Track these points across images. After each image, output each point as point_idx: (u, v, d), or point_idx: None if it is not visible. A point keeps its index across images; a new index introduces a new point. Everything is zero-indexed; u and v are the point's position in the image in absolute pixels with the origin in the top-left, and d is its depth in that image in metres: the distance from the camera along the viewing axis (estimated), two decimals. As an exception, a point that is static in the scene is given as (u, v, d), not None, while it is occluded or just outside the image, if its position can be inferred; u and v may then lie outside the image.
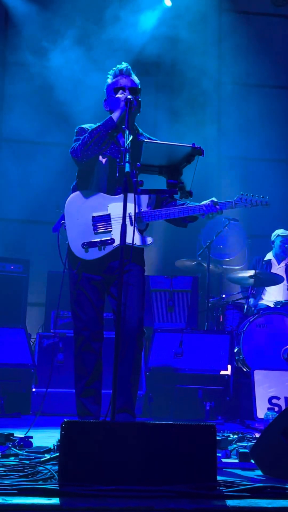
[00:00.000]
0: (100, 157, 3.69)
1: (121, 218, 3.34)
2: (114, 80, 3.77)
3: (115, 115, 3.63)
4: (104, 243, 3.61)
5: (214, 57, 8.81)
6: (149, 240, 3.67)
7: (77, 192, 3.72)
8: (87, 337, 3.69)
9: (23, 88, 8.20)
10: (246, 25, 8.83)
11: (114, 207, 3.64)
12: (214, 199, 3.71)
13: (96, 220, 3.64)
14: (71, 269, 3.72)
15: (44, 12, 8.08)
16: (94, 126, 3.72)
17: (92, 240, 3.62)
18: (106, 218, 3.64)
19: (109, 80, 3.80)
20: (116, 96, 3.69)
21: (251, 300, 6.46)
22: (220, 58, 8.86)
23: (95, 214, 3.65)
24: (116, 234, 3.60)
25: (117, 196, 3.66)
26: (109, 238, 3.62)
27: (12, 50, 8.43)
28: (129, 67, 3.79)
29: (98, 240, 3.62)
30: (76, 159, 3.68)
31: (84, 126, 3.80)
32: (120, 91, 3.71)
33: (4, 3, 8.24)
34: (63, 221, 3.69)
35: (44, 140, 8.24)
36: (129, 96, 3.57)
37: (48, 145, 8.24)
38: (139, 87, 3.79)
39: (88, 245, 3.61)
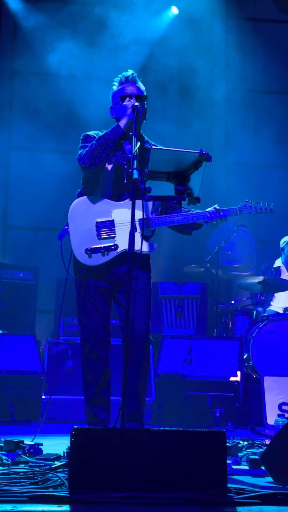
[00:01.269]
0: (106, 164, 3.70)
1: (125, 224, 3.35)
2: (120, 87, 3.79)
3: (122, 123, 3.65)
4: (107, 249, 3.61)
5: (221, 64, 8.83)
6: (154, 246, 3.68)
7: (81, 198, 3.73)
8: (94, 345, 3.69)
9: (32, 96, 8.24)
10: (253, 31, 8.84)
11: (118, 213, 3.65)
12: (217, 206, 3.73)
13: (99, 225, 3.65)
14: (75, 276, 3.72)
15: (51, 20, 8.13)
16: (100, 133, 3.73)
17: (95, 246, 3.63)
18: (110, 224, 3.65)
19: (115, 87, 3.82)
20: (123, 103, 3.71)
21: (260, 307, 6.44)
22: (227, 65, 8.87)
23: (99, 220, 3.66)
24: (119, 240, 3.61)
25: (122, 202, 3.67)
26: (112, 244, 3.62)
27: (20, 58, 8.48)
28: (135, 74, 3.80)
29: (102, 246, 3.62)
30: (83, 167, 3.69)
31: (90, 133, 3.82)
32: (127, 98, 3.72)
33: (12, 12, 8.29)
34: (66, 227, 3.70)
35: (53, 148, 8.27)
36: (136, 104, 3.58)
37: (56, 153, 8.26)
38: (145, 94, 3.80)
39: (91, 251, 3.62)
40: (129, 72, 3.81)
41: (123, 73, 3.81)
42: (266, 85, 8.81)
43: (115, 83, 3.82)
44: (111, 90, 3.83)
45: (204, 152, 3.20)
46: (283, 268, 7.07)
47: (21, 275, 6.94)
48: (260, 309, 6.44)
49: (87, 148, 3.67)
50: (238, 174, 8.68)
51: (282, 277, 6.95)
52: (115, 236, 3.63)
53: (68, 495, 2.29)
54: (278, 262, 7.14)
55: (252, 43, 8.78)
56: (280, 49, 8.91)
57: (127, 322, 3.04)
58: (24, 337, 5.80)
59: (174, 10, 8.35)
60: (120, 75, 3.81)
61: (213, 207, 3.71)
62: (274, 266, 7.13)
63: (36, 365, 5.61)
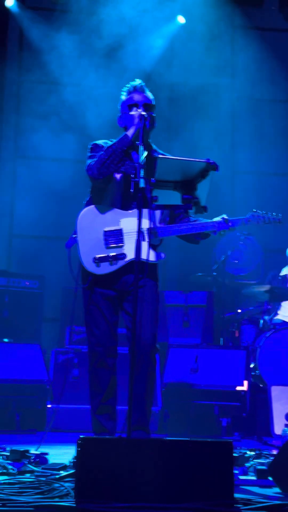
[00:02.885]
0: (115, 173, 3.70)
1: (133, 233, 3.34)
2: (128, 96, 3.80)
3: (130, 132, 3.65)
4: (115, 258, 3.61)
5: (228, 72, 8.85)
6: (162, 255, 3.67)
7: (90, 207, 3.73)
8: (101, 353, 3.68)
9: (38, 105, 8.27)
10: (259, 40, 8.86)
11: (127, 222, 3.65)
12: (225, 216, 3.72)
13: (107, 234, 3.65)
14: (83, 284, 3.72)
15: (57, 30, 8.17)
16: (108, 142, 3.74)
17: (103, 255, 3.62)
18: (118, 233, 3.65)
19: (123, 97, 3.83)
20: (130, 113, 3.71)
21: (267, 315, 6.42)
22: (233, 74, 8.90)
23: (107, 229, 3.65)
24: (127, 249, 3.61)
25: (130, 211, 3.67)
26: (120, 253, 3.62)
27: (26, 68, 8.52)
28: (143, 83, 3.81)
29: (110, 255, 3.62)
30: (92, 177, 3.68)
31: (98, 142, 3.82)
32: (134, 107, 3.73)
33: (18, 22, 8.34)
34: (74, 235, 3.70)
35: (59, 157, 8.30)
36: (143, 113, 3.58)
37: (63, 162, 8.29)
38: (153, 103, 3.81)
39: (99, 260, 3.61)
40: (137, 81, 3.82)
41: (131, 82, 3.82)
42: (272, 94, 8.82)
43: (123, 92, 3.83)
44: (119, 100, 3.84)
45: (211, 161, 3.20)
46: (290, 277, 7.05)
47: (27, 283, 6.95)
48: (267, 318, 6.41)
49: (96, 159, 3.67)
50: (245, 183, 8.68)
51: (288, 285, 6.93)
52: (123, 245, 3.63)
53: (74, 505, 2.28)
54: (285, 271, 7.12)
55: (259, 52, 8.80)
56: (287, 58, 8.93)
57: (133, 330, 3.03)
58: (30, 345, 5.79)
59: (181, 19, 8.38)
60: (128, 84, 3.82)
61: (221, 216, 3.71)
62: (281, 274, 7.11)
63: (42, 373, 5.60)
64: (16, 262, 8.19)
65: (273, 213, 3.83)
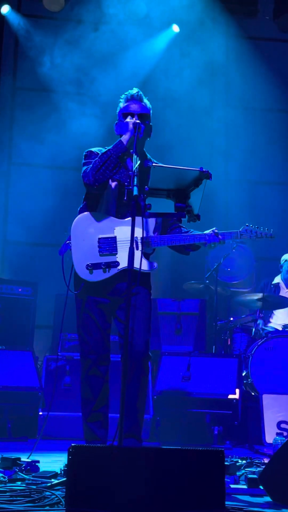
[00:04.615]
0: (110, 181, 3.71)
1: (127, 242, 3.34)
2: (125, 104, 3.82)
3: (125, 138, 3.67)
4: (108, 265, 3.62)
5: (222, 82, 8.89)
6: (155, 265, 3.68)
7: (84, 214, 3.74)
8: (94, 361, 3.68)
9: (32, 112, 8.29)
10: (254, 50, 8.91)
11: (121, 230, 3.66)
12: (215, 229, 3.74)
13: (101, 242, 3.65)
14: (76, 291, 3.72)
15: (52, 38, 8.19)
16: (103, 149, 3.75)
17: (97, 262, 3.63)
18: (112, 241, 3.66)
19: (121, 104, 3.85)
20: (125, 120, 3.73)
21: (259, 323, 6.43)
22: (227, 83, 8.94)
23: (101, 236, 3.66)
24: (121, 257, 3.62)
25: (125, 220, 3.68)
26: (113, 261, 3.63)
27: (21, 75, 8.54)
28: (140, 92, 3.83)
29: (103, 262, 3.62)
30: (88, 184, 3.69)
31: (93, 149, 3.83)
32: (129, 116, 3.75)
33: (13, 29, 8.36)
34: (68, 241, 3.70)
35: (53, 164, 8.31)
36: (137, 121, 3.61)
37: (56, 169, 8.30)
38: (150, 112, 3.83)
39: (92, 267, 3.62)
40: (135, 90, 3.84)
41: (129, 90, 3.84)
42: (266, 103, 8.87)
43: (121, 100, 3.86)
44: (117, 107, 3.86)
45: (204, 169, 3.21)
46: (282, 285, 7.07)
47: (19, 290, 6.94)
48: (259, 326, 6.42)
49: (91, 165, 3.68)
50: (238, 192, 8.71)
51: (281, 293, 6.94)
52: (116, 253, 3.64)
53: (65, 513, 2.27)
54: (278, 279, 7.14)
55: (253, 61, 8.86)
56: (281, 67, 8.98)
57: (126, 337, 3.04)
58: (22, 352, 5.78)
59: (175, 28, 8.43)
60: (126, 92, 3.84)
61: (211, 230, 3.73)
62: (273, 282, 7.13)
63: (34, 381, 5.59)
64: (9, 268, 8.18)
65: (265, 228, 3.86)
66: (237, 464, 3.76)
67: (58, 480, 2.97)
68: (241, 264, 8.02)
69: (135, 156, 3.37)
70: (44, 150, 8.22)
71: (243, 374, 5.80)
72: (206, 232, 3.72)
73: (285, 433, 4.99)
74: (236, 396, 5.36)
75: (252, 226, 3.83)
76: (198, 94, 8.32)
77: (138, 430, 3.57)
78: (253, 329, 6.42)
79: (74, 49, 8.17)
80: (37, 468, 3.36)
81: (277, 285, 7.09)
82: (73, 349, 5.94)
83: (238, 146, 8.77)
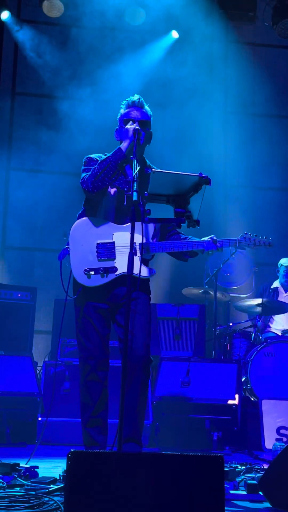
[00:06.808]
0: (109, 188, 3.72)
1: (125, 247, 3.34)
2: (126, 111, 3.82)
3: (124, 145, 3.67)
4: (106, 270, 3.62)
5: (221, 87, 8.92)
6: (153, 271, 3.69)
7: (83, 219, 3.74)
8: (93, 366, 3.68)
9: (32, 118, 8.31)
10: (252, 56, 8.94)
11: (119, 236, 3.66)
12: (213, 236, 3.74)
13: (100, 247, 3.66)
14: (74, 296, 3.72)
15: (52, 44, 8.22)
16: (102, 156, 3.76)
17: (95, 267, 3.63)
18: (110, 246, 3.66)
19: (122, 111, 3.85)
20: (126, 127, 3.74)
21: (258, 329, 6.43)
22: (226, 88, 8.97)
23: (100, 241, 3.66)
24: (119, 263, 3.62)
25: (124, 225, 3.68)
26: (112, 266, 3.63)
27: (20, 81, 8.57)
28: (141, 99, 3.83)
29: (101, 267, 3.62)
30: (87, 191, 3.69)
31: (92, 156, 3.83)
32: (130, 122, 3.76)
33: (13, 35, 8.39)
34: (66, 246, 3.71)
35: (51, 169, 8.33)
36: (137, 128, 3.61)
37: (55, 174, 8.32)
38: (151, 119, 3.83)
39: (90, 271, 3.62)
40: (136, 96, 3.84)
41: (130, 97, 3.84)
42: (265, 109, 8.90)
43: (122, 106, 3.86)
44: (118, 113, 3.87)
45: (203, 175, 3.21)
46: (281, 289, 7.08)
47: (19, 295, 6.93)
48: (258, 331, 6.42)
49: (90, 172, 3.68)
50: (237, 197, 8.73)
51: (279, 298, 6.95)
52: (114, 259, 3.64)
53: (64, 519, 2.27)
54: (276, 283, 7.15)
55: (252, 67, 8.89)
56: (279, 73, 9.02)
57: (125, 342, 3.03)
58: (21, 357, 5.77)
59: (174, 34, 8.46)
60: (127, 99, 3.85)
61: (209, 237, 3.73)
62: (272, 287, 7.15)
63: (33, 386, 5.58)
64: (8, 274, 8.18)
65: (264, 236, 3.86)
66: (237, 470, 3.75)
67: (57, 486, 2.97)
68: (240, 269, 8.03)
69: (135, 162, 3.37)
70: (44, 156, 8.24)
71: (243, 379, 5.79)
72: (205, 239, 3.72)
73: (284, 439, 4.99)
74: (236, 401, 5.35)
75: (250, 234, 3.82)
76: (196, 99, 8.34)
77: (138, 434, 3.56)
78: (253, 335, 6.42)
79: (73, 54, 8.20)
80: (36, 474, 3.36)
81: (276, 290, 7.10)
82: (72, 354, 5.93)
83: (237, 152, 8.79)
